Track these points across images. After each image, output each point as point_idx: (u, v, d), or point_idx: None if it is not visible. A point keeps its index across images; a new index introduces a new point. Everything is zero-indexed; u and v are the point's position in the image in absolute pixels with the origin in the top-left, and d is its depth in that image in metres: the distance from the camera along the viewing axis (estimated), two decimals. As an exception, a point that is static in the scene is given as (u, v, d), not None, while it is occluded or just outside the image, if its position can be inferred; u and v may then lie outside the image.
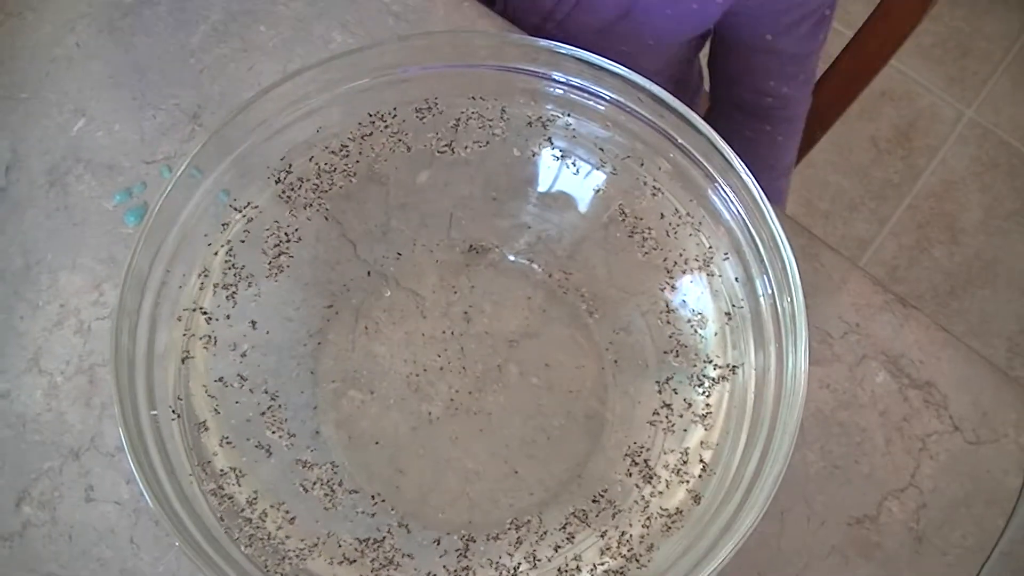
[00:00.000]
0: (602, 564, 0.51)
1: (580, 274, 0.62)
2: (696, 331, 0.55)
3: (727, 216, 0.55)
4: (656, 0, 0.79)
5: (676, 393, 0.55)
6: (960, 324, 1.57)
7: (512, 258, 0.63)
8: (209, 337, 0.57)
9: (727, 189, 0.55)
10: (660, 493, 0.53)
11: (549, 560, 0.53)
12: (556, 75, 0.56)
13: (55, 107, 0.70)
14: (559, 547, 0.53)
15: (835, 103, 0.93)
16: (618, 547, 0.51)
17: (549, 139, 0.60)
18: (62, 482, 0.61)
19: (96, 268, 0.65)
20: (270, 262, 0.60)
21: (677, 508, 0.52)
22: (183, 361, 0.56)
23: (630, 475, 0.54)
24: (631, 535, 0.51)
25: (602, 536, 0.52)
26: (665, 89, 0.54)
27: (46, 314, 0.64)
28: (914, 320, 0.66)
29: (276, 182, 0.60)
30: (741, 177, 0.53)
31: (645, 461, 0.54)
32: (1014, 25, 1.79)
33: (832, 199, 1.66)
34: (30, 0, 0.73)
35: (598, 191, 0.59)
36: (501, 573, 0.53)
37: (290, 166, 0.61)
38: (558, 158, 0.60)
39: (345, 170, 0.62)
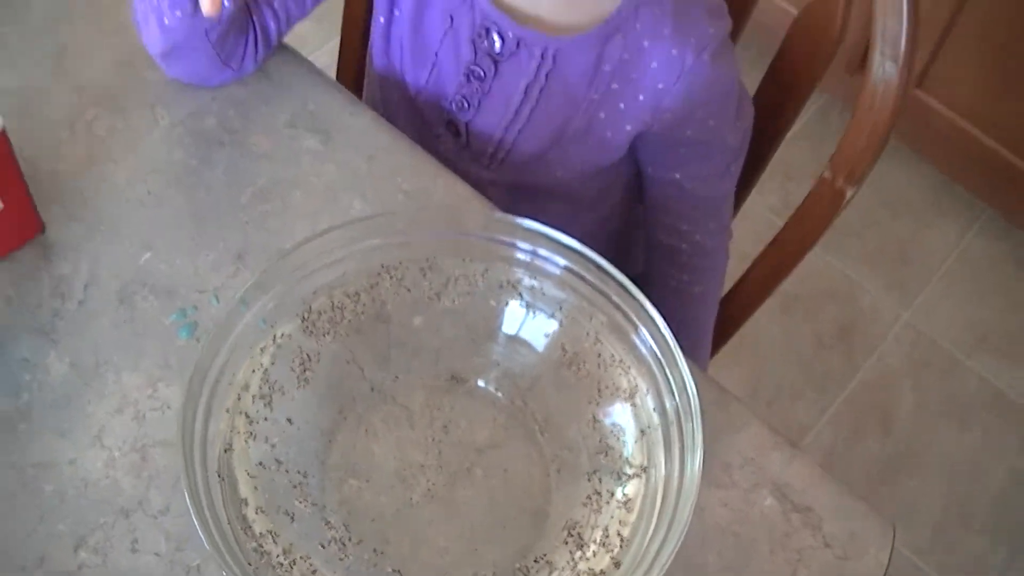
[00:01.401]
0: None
1: (535, 403, 0.83)
2: (619, 439, 0.76)
3: (649, 360, 0.76)
4: (579, 130, 1.01)
5: (602, 483, 0.76)
6: (889, 507, 1.77)
7: (483, 386, 0.84)
8: (250, 433, 0.77)
9: (651, 340, 0.76)
10: (588, 558, 0.72)
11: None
12: (524, 245, 0.79)
13: (127, 240, 0.91)
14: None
15: (749, 304, 1.15)
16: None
17: (519, 294, 0.82)
18: (113, 535, 0.79)
19: (153, 370, 0.85)
20: (297, 377, 0.81)
21: (601, 570, 0.71)
22: (224, 451, 0.75)
23: (566, 544, 0.74)
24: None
25: None
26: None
27: (110, 402, 0.84)
28: (799, 459, 0.86)
29: (302, 320, 0.81)
30: (662, 332, 0.75)
31: (579, 534, 0.74)
32: (951, 238, 2.05)
33: (776, 388, 1.88)
34: (114, 153, 0.95)
35: (550, 336, 0.81)
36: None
37: (312, 306, 0.82)
38: (523, 309, 0.81)
39: (357, 310, 0.83)
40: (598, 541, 0.74)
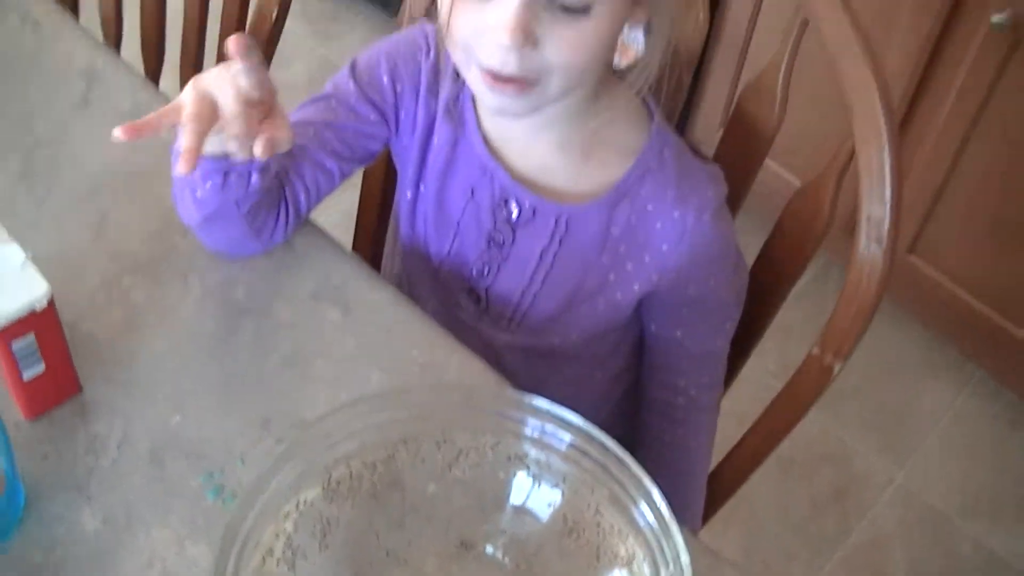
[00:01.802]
0: None
1: (539, 568, 0.89)
2: None
3: (646, 531, 0.83)
4: (591, 292, 1.09)
5: None
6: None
7: (490, 552, 0.91)
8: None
9: (648, 512, 0.82)
10: None
11: None
12: (532, 421, 0.86)
13: (160, 402, 0.98)
14: None
15: (742, 471, 1.22)
16: None
17: (526, 467, 0.89)
18: None
19: (180, 528, 0.92)
20: (318, 543, 0.87)
21: None
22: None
23: None
24: None
25: None
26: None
27: (139, 558, 0.90)
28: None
29: (323, 488, 0.88)
30: (658, 505, 0.81)
31: None
32: (944, 400, 2.12)
33: (772, 549, 1.93)
34: (149, 319, 1.03)
35: (554, 507, 0.88)
36: None
37: (332, 474, 0.89)
38: (530, 480, 0.88)
39: (374, 479, 0.90)
40: None
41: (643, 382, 1.22)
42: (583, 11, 0.91)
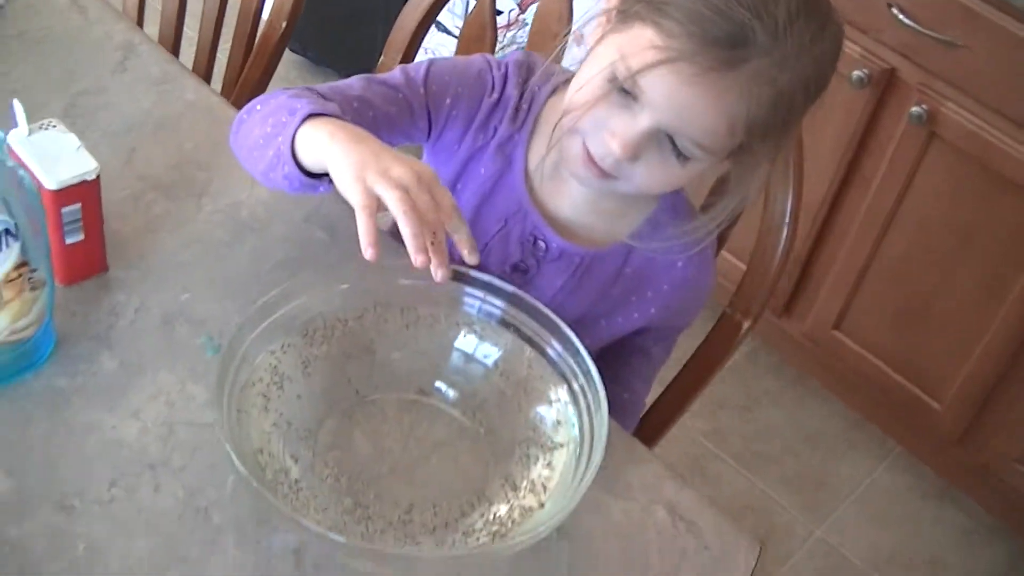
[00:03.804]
0: (483, 530, 0.97)
1: (481, 413, 1.10)
2: (543, 425, 1.03)
3: (564, 368, 1.04)
4: (597, 318, 1.27)
5: (529, 454, 1.02)
6: None
7: (442, 398, 1.12)
8: (265, 407, 1.03)
9: (567, 354, 1.05)
10: (519, 498, 0.98)
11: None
12: (473, 291, 1.11)
13: (171, 285, 1.18)
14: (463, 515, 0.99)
15: (666, 421, 1.43)
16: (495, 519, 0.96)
17: (473, 330, 1.10)
18: (140, 481, 1.03)
19: (183, 373, 1.11)
20: (301, 372, 1.07)
21: (529, 507, 0.97)
22: (239, 412, 1.01)
23: (503, 487, 1.00)
24: (501, 515, 0.97)
25: (482, 516, 0.97)
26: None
27: (148, 391, 1.09)
28: (688, 490, 1.12)
29: (303, 335, 1.09)
30: (576, 347, 1.03)
31: (512, 482, 1.00)
32: (862, 470, 2.33)
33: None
34: (166, 225, 1.24)
35: (493, 358, 1.10)
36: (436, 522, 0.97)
37: (309, 327, 1.09)
38: (475, 339, 1.10)
39: (346, 330, 1.10)
40: (526, 487, 0.99)
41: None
42: (687, 158, 1.08)
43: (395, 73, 1.20)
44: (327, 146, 1.01)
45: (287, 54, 2.36)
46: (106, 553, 0.98)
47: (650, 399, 1.43)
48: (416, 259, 0.96)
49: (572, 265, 1.24)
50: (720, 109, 1.04)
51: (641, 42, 1.04)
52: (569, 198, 1.22)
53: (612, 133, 1.07)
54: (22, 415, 1.06)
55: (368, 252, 0.95)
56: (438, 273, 0.98)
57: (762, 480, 2.27)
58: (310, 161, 1.04)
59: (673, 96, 1.03)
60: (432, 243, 0.97)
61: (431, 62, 1.20)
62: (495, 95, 1.21)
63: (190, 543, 1.00)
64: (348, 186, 0.98)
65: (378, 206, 0.97)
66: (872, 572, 2.16)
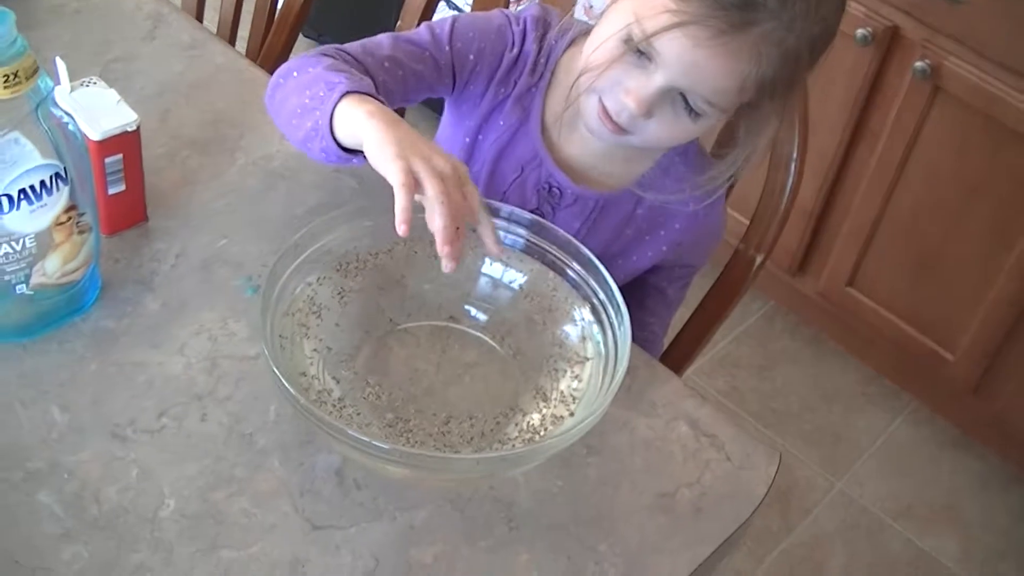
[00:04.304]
0: (518, 438, 1.03)
1: (509, 337, 1.15)
2: (568, 341, 1.09)
3: (587, 290, 1.10)
4: (613, 256, 1.31)
5: (557, 368, 1.08)
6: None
7: (472, 322, 1.17)
8: (305, 333, 1.09)
9: (590, 277, 1.10)
10: (550, 407, 1.04)
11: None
12: (500, 222, 1.15)
13: (209, 231, 1.24)
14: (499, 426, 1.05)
15: (687, 354, 1.48)
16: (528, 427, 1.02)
17: (500, 258, 1.15)
18: (188, 410, 1.08)
19: (224, 311, 1.17)
20: (337, 301, 1.13)
21: (560, 415, 1.03)
22: (281, 338, 1.07)
23: (534, 398, 1.05)
24: (534, 424, 1.02)
25: (516, 425, 1.03)
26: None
27: (191, 328, 1.15)
28: (709, 406, 1.17)
29: (336, 269, 1.14)
30: (597, 267, 1.09)
31: (543, 393, 1.06)
32: (880, 423, 2.37)
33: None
34: (201, 177, 1.30)
35: (519, 282, 1.16)
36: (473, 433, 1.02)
37: (342, 261, 1.14)
38: (502, 266, 1.15)
39: (378, 263, 1.15)
40: (556, 399, 1.05)
41: None
42: (698, 114, 1.13)
43: (421, 31, 1.23)
44: (365, 125, 1.05)
45: (301, 39, 2.42)
46: (158, 476, 1.03)
47: (668, 339, 1.48)
48: (443, 249, 1.00)
49: (587, 209, 1.29)
50: (731, 69, 1.08)
51: (655, 5, 1.08)
52: (582, 146, 1.27)
53: (627, 91, 1.12)
54: (73, 355, 1.12)
55: (401, 228, 1.00)
56: (448, 266, 1.01)
57: (781, 436, 2.32)
58: (347, 137, 1.08)
59: (686, 58, 1.08)
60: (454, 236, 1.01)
61: (455, 19, 1.24)
62: (515, 50, 1.26)
63: (236, 464, 1.05)
64: (387, 163, 1.01)
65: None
66: (892, 522, 2.21)
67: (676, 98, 1.12)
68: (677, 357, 1.47)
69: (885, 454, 2.33)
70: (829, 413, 2.38)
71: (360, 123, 1.06)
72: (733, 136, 1.23)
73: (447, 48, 1.23)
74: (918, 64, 2.03)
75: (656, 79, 1.10)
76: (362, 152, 1.07)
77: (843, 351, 2.46)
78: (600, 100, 1.16)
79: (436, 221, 1.00)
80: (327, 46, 1.20)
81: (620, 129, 1.16)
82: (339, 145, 1.10)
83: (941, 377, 2.29)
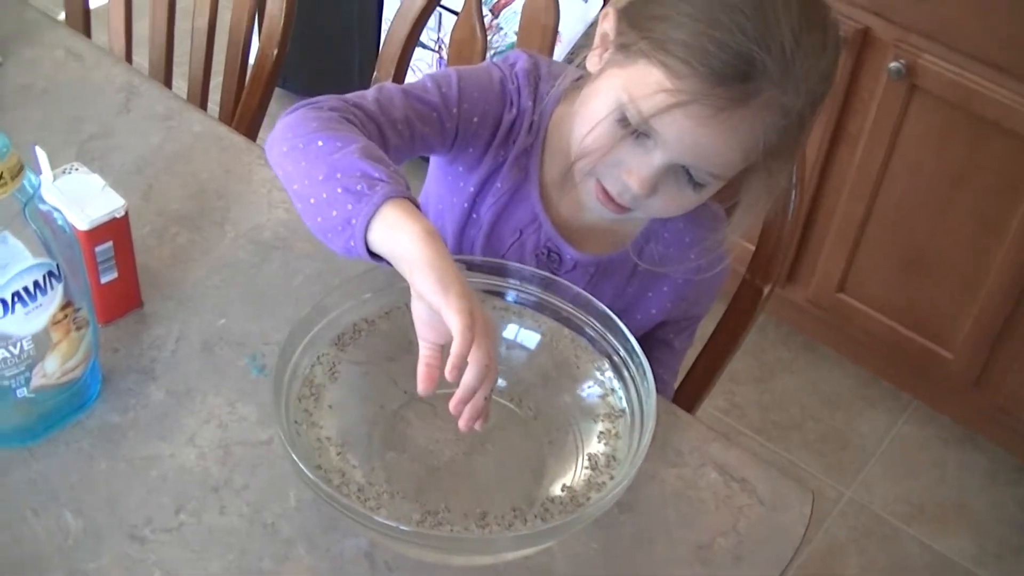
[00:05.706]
0: (552, 505, 1.01)
1: (529, 399, 1.13)
2: (590, 401, 1.06)
3: (607, 347, 1.07)
4: (617, 313, 1.29)
5: (581, 431, 1.08)
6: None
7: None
8: (319, 416, 1.06)
9: (610, 334, 1.07)
10: (584, 471, 1.03)
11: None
12: (512, 281, 1.14)
13: (207, 312, 1.21)
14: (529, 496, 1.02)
15: (698, 391, 1.46)
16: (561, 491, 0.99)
17: (511, 316, 1.13)
18: (206, 503, 1.05)
19: (231, 395, 1.13)
20: (349, 379, 1.10)
21: (591, 478, 1.02)
22: (296, 424, 1.04)
23: (561, 461, 1.03)
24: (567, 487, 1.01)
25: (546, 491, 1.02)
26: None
27: (199, 416, 1.11)
28: (735, 448, 1.15)
29: (335, 344, 1.11)
30: (618, 325, 1.06)
31: (571, 455, 1.05)
32: (883, 426, 2.36)
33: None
34: (193, 255, 1.26)
35: (536, 344, 1.13)
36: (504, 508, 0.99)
37: (340, 333, 1.11)
38: (516, 327, 1.13)
39: (379, 330, 1.12)
40: (584, 459, 1.04)
41: None
42: (701, 185, 1.09)
43: (429, 88, 1.17)
44: (415, 248, 0.97)
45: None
46: (182, 576, 1.00)
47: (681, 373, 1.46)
48: (456, 408, 0.97)
49: (588, 274, 1.26)
50: (735, 143, 1.05)
51: (649, 83, 1.03)
52: (581, 207, 1.22)
53: (629, 171, 1.08)
54: (81, 455, 1.08)
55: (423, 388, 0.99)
56: (464, 427, 0.98)
57: (786, 448, 2.31)
58: (382, 245, 1.00)
59: (687, 137, 1.04)
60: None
61: (459, 78, 1.18)
62: (514, 110, 1.21)
63: (262, 557, 1.02)
64: (450, 304, 0.94)
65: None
66: (905, 526, 2.19)
67: (679, 172, 1.08)
68: (691, 392, 1.44)
69: (891, 457, 2.32)
70: (831, 420, 2.37)
71: (409, 244, 0.97)
72: (735, 192, 1.17)
73: (455, 110, 1.17)
74: (892, 65, 2.02)
75: (657, 157, 1.06)
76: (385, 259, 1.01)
77: (838, 356, 2.45)
78: (599, 183, 1.12)
79: (465, 377, 0.95)
80: (339, 98, 1.12)
81: (623, 209, 1.13)
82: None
83: (940, 374, 2.28)
